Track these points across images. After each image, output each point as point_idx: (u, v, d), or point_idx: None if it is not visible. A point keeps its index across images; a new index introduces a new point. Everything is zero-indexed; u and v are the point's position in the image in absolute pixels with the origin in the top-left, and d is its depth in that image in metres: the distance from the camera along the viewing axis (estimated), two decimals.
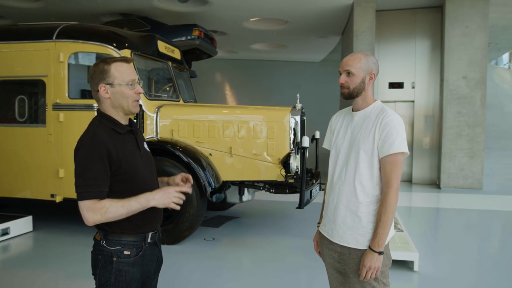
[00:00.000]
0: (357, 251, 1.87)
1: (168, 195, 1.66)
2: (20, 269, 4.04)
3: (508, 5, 9.52)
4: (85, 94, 4.96)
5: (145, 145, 1.87)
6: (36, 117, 5.02)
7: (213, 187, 4.51)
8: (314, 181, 5.07)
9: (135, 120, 4.19)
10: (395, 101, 9.69)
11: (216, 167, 4.71)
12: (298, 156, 4.68)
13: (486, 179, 8.91)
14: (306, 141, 4.55)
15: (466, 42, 8.68)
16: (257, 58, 16.81)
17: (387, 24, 9.70)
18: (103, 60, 1.71)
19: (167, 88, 5.70)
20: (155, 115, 4.87)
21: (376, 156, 1.84)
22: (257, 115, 4.91)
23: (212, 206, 6.02)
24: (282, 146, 4.72)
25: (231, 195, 5.13)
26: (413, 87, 9.69)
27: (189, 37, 8.63)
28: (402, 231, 4.56)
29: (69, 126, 4.76)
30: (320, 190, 5.09)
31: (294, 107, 4.81)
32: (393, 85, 9.74)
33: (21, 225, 5.04)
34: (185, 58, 6.58)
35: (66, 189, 4.79)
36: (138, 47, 5.02)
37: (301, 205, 4.40)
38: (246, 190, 5.16)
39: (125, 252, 1.68)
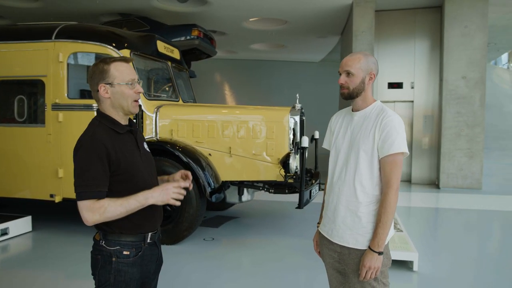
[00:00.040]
0: (357, 251, 1.87)
1: (167, 192, 1.66)
2: (19, 269, 4.04)
3: (507, 5, 9.54)
4: (84, 94, 4.95)
5: (145, 145, 1.86)
6: (35, 117, 5.01)
7: (213, 187, 4.51)
8: (314, 181, 5.07)
9: (134, 120, 4.18)
10: (394, 101, 9.70)
11: (216, 167, 4.71)
12: (298, 156, 4.68)
13: (485, 179, 8.92)
14: (305, 141, 4.55)
15: (465, 42, 8.70)
16: (256, 58, 16.82)
17: (387, 24, 9.71)
18: (103, 60, 1.71)
19: (167, 88, 5.70)
20: (154, 115, 4.87)
21: (376, 156, 1.84)
22: (257, 115, 4.91)
23: (212, 206, 6.02)
24: (281, 146, 4.72)
25: (231, 195, 5.13)
26: (412, 87, 9.71)
27: (188, 37, 8.63)
28: (401, 231, 4.56)
29: (68, 126, 4.76)
30: (319, 190, 5.09)
31: (294, 107, 4.81)
32: (392, 85, 9.75)
33: (20, 225, 5.03)
34: (185, 58, 6.58)
35: (66, 189, 4.79)
36: (138, 47, 5.02)
37: (300, 205, 4.40)
38: (245, 190, 5.16)
39: (124, 252, 1.68)
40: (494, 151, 14.09)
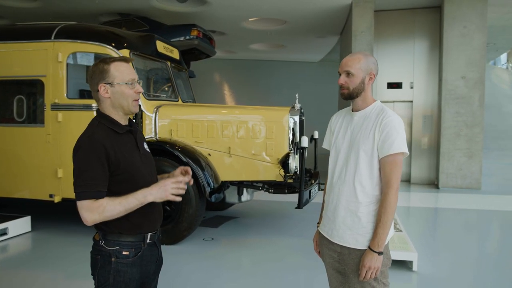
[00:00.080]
0: (356, 251, 1.87)
1: (165, 188, 1.65)
2: (19, 269, 4.03)
3: (507, 5, 9.55)
4: (83, 94, 4.95)
5: (145, 146, 1.86)
6: (35, 117, 5.01)
7: (212, 187, 4.51)
8: (313, 181, 5.07)
9: (134, 120, 4.18)
10: (393, 101, 9.71)
11: (215, 167, 4.71)
12: (297, 156, 4.68)
13: (484, 179, 8.93)
14: (305, 141, 4.55)
15: (464, 42, 8.71)
16: (255, 58, 16.82)
17: (386, 24, 9.72)
18: (103, 60, 1.71)
19: (166, 88, 5.70)
20: (153, 115, 4.87)
21: (376, 156, 1.84)
22: (256, 115, 4.91)
23: (211, 206, 6.02)
24: (281, 146, 4.72)
25: (230, 195, 5.13)
26: (411, 87, 9.71)
27: (187, 37, 8.63)
28: (401, 231, 4.57)
29: (67, 126, 4.75)
30: (319, 190, 5.09)
31: (293, 107, 4.81)
32: (391, 85, 9.76)
33: (20, 225, 5.03)
34: (184, 58, 6.58)
35: (65, 189, 4.78)
36: (137, 47, 5.02)
37: (300, 205, 4.40)
38: (245, 190, 5.16)
39: (124, 253, 1.68)
40: (493, 151, 14.11)
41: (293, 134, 4.74)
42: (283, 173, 4.57)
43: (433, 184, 9.42)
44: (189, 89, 6.36)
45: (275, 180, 4.69)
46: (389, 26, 9.78)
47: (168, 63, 5.64)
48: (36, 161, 4.89)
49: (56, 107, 4.78)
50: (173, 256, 4.25)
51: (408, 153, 1.86)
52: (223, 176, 4.75)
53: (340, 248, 1.93)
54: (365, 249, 1.84)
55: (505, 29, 11.95)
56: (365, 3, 9.01)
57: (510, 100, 19.08)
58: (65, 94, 4.79)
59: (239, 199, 5.21)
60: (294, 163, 4.60)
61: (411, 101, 9.74)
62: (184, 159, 4.51)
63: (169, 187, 1.65)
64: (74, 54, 4.88)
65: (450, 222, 6.33)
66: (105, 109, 1.73)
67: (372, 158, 1.84)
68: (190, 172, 1.80)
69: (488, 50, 12.12)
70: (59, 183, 4.80)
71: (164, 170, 4.26)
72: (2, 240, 4.77)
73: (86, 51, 4.88)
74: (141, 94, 1.78)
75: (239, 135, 4.79)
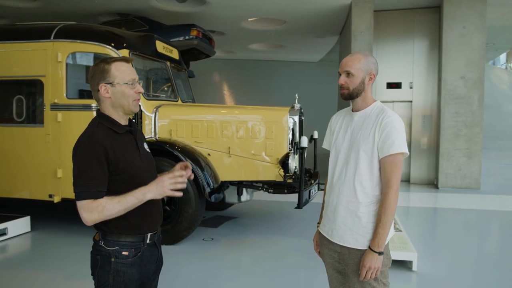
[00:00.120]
0: (357, 251, 1.87)
1: (162, 184, 1.64)
2: (18, 269, 4.03)
3: (506, 5, 9.56)
4: (83, 94, 4.95)
5: (145, 146, 1.86)
6: (34, 117, 5.00)
7: (212, 187, 4.51)
8: (313, 181, 5.07)
9: (133, 120, 4.19)
10: (393, 101, 9.71)
11: (215, 167, 4.71)
12: (297, 156, 4.68)
13: (483, 179, 8.94)
14: (304, 141, 4.55)
15: (464, 43, 8.71)
16: (255, 58, 16.82)
17: (385, 24, 9.72)
18: (103, 60, 1.72)
19: (165, 88, 5.69)
20: (153, 115, 4.86)
21: (376, 157, 1.84)
22: (256, 115, 4.91)
23: (211, 206, 6.02)
24: (280, 146, 4.72)
25: (230, 195, 5.13)
26: (411, 87, 9.72)
27: (187, 37, 8.63)
28: (400, 231, 4.57)
29: (67, 126, 4.75)
30: (318, 190, 5.09)
31: (293, 107, 4.81)
32: (391, 85, 9.76)
33: (19, 226, 5.02)
34: (183, 58, 6.58)
35: (64, 189, 4.78)
36: (137, 47, 5.02)
37: (299, 205, 4.40)
38: (244, 190, 5.16)
39: (123, 253, 1.68)
40: (492, 151, 14.13)
41: (293, 134, 4.74)
42: (282, 173, 4.57)
43: (433, 184, 9.43)
44: (189, 89, 6.36)
45: (275, 180, 4.69)
46: (389, 26, 9.78)
47: (168, 63, 5.63)
48: (36, 161, 4.89)
49: (55, 107, 4.78)
50: (172, 256, 4.24)
51: (408, 153, 1.85)
52: (223, 176, 4.75)
53: (340, 248, 1.93)
54: (365, 249, 1.84)
55: (504, 29, 11.96)
56: (365, 3, 9.01)
57: (510, 100, 19.11)
58: (65, 94, 4.78)
59: (239, 199, 5.21)
60: (293, 163, 4.60)
61: (411, 101, 9.75)
62: (183, 159, 4.51)
63: (167, 183, 1.64)
64: (73, 54, 4.88)
65: (449, 222, 6.34)
66: (105, 109, 1.73)
67: (372, 158, 1.84)
68: (190, 167, 1.79)
69: (487, 50, 12.15)
70: (59, 183, 4.79)
71: (164, 170, 4.25)
72: (2, 240, 4.77)
73: (86, 51, 4.88)
74: (140, 94, 1.78)
75: (238, 135, 4.79)
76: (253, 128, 4.77)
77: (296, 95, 4.92)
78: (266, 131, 4.75)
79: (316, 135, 5.39)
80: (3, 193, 5.05)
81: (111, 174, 1.64)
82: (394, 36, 9.90)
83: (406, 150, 1.82)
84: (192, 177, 1.79)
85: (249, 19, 11.02)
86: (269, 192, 4.81)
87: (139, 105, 1.80)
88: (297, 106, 4.80)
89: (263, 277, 3.83)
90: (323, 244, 2.05)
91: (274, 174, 4.66)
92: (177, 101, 5.61)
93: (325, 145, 2.14)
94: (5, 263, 4.31)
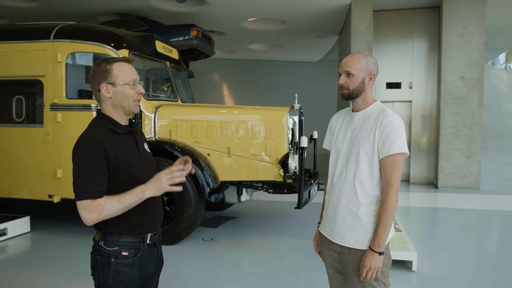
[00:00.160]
0: (357, 251, 1.87)
1: (160, 180, 1.62)
2: (18, 270, 4.02)
3: (505, 5, 9.57)
4: (82, 94, 4.94)
5: (146, 146, 1.86)
6: (34, 117, 5.00)
7: (212, 187, 4.51)
8: (313, 181, 5.08)
9: (133, 121, 4.19)
10: (392, 101, 9.71)
11: (214, 167, 4.71)
12: (296, 156, 4.68)
13: (483, 179, 8.95)
14: (304, 141, 4.55)
15: (463, 43, 8.72)
16: (255, 58, 16.82)
17: (385, 24, 9.73)
18: (105, 60, 1.72)
19: (165, 88, 5.69)
20: (153, 115, 4.86)
21: (376, 157, 1.84)
22: (255, 115, 4.91)
23: (211, 206, 6.02)
24: (280, 146, 4.72)
25: (229, 195, 5.13)
26: (410, 87, 9.72)
27: (187, 37, 8.63)
28: (400, 231, 4.57)
29: (66, 126, 4.75)
30: (318, 190, 5.09)
31: (292, 107, 4.81)
32: (390, 85, 9.77)
33: (19, 226, 5.02)
34: (183, 58, 6.58)
35: (64, 189, 4.78)
36: (136, 47, 5.01)
37: (299, 205, 4.40)
38: (244, 190, 5.16)
39: (123, 253, 1.68)
40: (492, 151, 14.14)
41: (293, 134, 4.74)
42: (282, 173, 4.57)
43: (432, 184, 9.43)
44: (188, 89, 6.36)
45: (275, 180, 4.69)
46: (388, 26, 9.79)
47: (167, 63, 5.63)
48: (35, 161, 4.89)
49: (55, 107, 4.77)
50: (172, 256, 4.24)
51: (409, 153, 1.86)
52: (223, 176, 4.75)
53: (341, 248, 1.93)
54: (366, 249, 1.85)
55: (503, 29, 11.97)
56: (364, 3, 9.02)
57: (509, 100, 19.13)
58: (64, 94, 4.78)
59: (239, 199, 5.21)
60: (293, 163, 4.60)
61: (410, 101, 9.75)
62: None
63: (164, 179, 1.62)
64: (73, 54, 4.88)
65: (449, 222, 6.34)
66: (105, 109, 1.73)
67: (373, 158, 1.84)
68: (190, 160, 1.78)
69: (487, 50, 12.16)
70: (59, 183, 4.79)
71: None
72: (1, 241, 4.76)
73: (85, 51, 4.87)
74: (141, 95, 1.78)
75: (238, 135, 4.79)
76: (253, 128, 4.77)
77: (296, 95, 4.92)
78: (266, 131, 4.75)
79: (315, 135, 5.39)
80: (3, 193, 5.05)
81: (111, 174, 1.64)
82: (393, 36, 9.91)
83: (406, 150, 1.82)
84: (194, 171, 1.78)
85: (249, 19, 11.02)
86: (269, 192, 4.81)
87: (139, 105, 1.80)
88: (296, 106, 4.80)
89: (263, 277, 3.83)
90: (323, 244, 2.05)
91: (274, 174, 4.66)
92: (176, 101, 5.61)
93: (325, 145, 2.15)
94: (5, 264, 4.31)
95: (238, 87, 17.85)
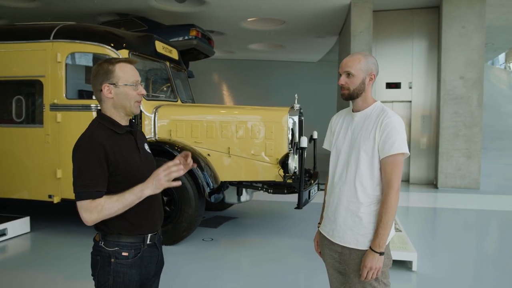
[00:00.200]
0: (357, 252, 1.87)
1: (158, 177, 1.61)
2: (18, 270, 4.02)
3: (505, 5, 9.57)
4: (82, 94, 4.94)
5: (146, 146, 1.86)
6: (34, 117, 5.00)
7: (212, 187, 4.51)
8: (313, 181, 5.07)
9: (133, 121, 4.19)
10: (392, 101, 9.71)
11: (214, 167, 4.71)
12: (296, 157, 4.68)
13: (483, 179, 8.95)
14: (304, 141, 4.55)
15: (463, 43, 8.72)
16: (254, 58, 16.82)
17: (384, 24, 9.73)
18: (107, 61, 1.72)
19: (165, 89, 5.69)
20: (153, 115, 4.86)
21: (377, 157, 1.84)
22: (255, 116, 4.91)
23: (210, 207, 6.02)
24: (280, 146, 4.72)
25: (229, 196, 5.13)
26: (410, 87, 9.73)
27: (186, 37, 8.63)
28: (400, 231, 4.57)
29: (66, 126, 4.75)
30: (318, 190, 5.09)
31: (292, 107, 4.81)
32: (390, 85, 9.77)
33: (19, 226, 5.01)
34: (183, 58, 6.58)
35: (64, 189, 4.78)
36: (136, 47, 5.01)
37: (299, 205, 4.40)
38: (244, 190, 5.15)
39: (123, 254, 1.68)
40: (491, 151, 14.15)
41: (292, 134, 4.74)
42: (282, 173, 4.57)
43: (432, 184, 9.43)
44: (188, 89, 6.36)
45: (275, 180, 4.69)
46: (388, 26, 9.79)
47: (167, 63, 5.63)
48: (35, 162, 4.88)
49: (55, 107, 4.77)
50: (172, 257, 4.24)
51: (409, 153, 1.86)
52: (223, 176, 4.75)
53: (341, 249, 1.93)
54: (366, 250, 1.85)
55: (503, 29, 11.97)
56: (364, 3, 9.02)
57: (509, 100, 19.14)
58: (64, 95, 4.78)
59: (239, 199, 5.21)
60: (293, 163, 4.60)
61: (410, 101, 9.75)
62: None
63: (162, 175, 1.61)
64: (73, 55, 4.87)
65: (449, 222, 6.34)
66: (106, 109, 1.73)
67: (373, 158, 1.84)
68: (189, 154, 1.77)
69: (486, 50, 12.15)
70: (58, 184, 4.79)
71: None
72: (1, 241, 4.76)
73: (85, 51, 4.87)
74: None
75: (238, 135, 4.79)
76: (252, 128, 4.77)
77: (296, 95, 4.92)
78: (266, 131, 4.75)
79: (315, 135, 5.39)
80: (2, 193, 5.05)
81: (111, 174, 1.64)
82: (393, 36, 9.91)
83: (406, 151, 1.82)
84: (195, 165, 1.78)
85: (249, 19, 11.02)
86: (268, 192, 4.81)
87: (139, 106, 1.80)
88: (296, 106, 4.80)
89: (263, 277, 3.83)
90: (323, 244, 2.05)
91: (274, 174, 4.66)
92: (176, 101, 5.60)
93: (325, 146, 2.15)
94: (5, 264, 4.31)
95: (237, 87, 17.85)
